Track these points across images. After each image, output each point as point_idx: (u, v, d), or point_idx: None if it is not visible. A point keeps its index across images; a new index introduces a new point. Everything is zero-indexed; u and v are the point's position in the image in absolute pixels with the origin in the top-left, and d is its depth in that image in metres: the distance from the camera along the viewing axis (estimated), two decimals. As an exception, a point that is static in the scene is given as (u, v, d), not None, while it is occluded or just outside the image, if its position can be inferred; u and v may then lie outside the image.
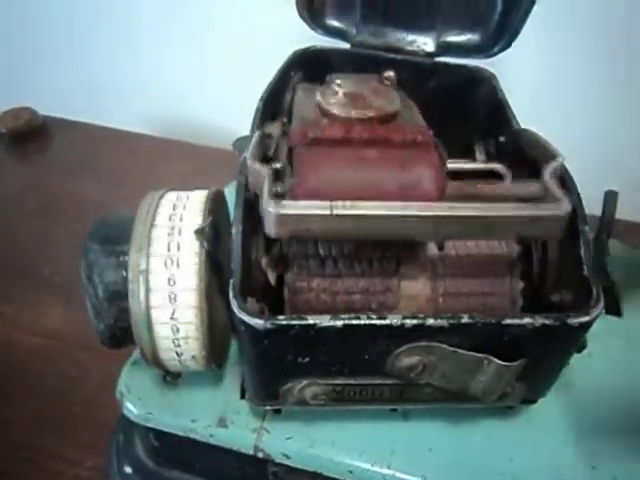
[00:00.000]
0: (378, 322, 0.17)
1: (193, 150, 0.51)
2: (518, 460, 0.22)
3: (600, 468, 0.22)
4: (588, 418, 0.23)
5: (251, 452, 0.23)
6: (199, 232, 0.18)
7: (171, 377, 0.24)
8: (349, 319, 0.17)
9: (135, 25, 0.51)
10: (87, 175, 0.49)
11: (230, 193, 0.21)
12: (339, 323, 0.17)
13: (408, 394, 0.20)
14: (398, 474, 0.22)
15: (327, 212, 0.16)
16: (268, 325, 0.17)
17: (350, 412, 0.23)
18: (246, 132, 0.23)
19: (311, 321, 0.17)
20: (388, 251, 0.19)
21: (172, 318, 0.18)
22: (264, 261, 0.18)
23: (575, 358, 0.20)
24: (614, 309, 0.27)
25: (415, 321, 0.17)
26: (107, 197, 0.47)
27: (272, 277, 0.19)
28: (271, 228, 0.16)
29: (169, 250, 0.18)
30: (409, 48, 0.28)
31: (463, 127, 0.26)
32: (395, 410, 0.23)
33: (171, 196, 0.20)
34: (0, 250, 0.43)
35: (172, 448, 0.25)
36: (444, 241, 0.19)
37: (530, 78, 0.41)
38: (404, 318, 0.17)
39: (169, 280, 0.18)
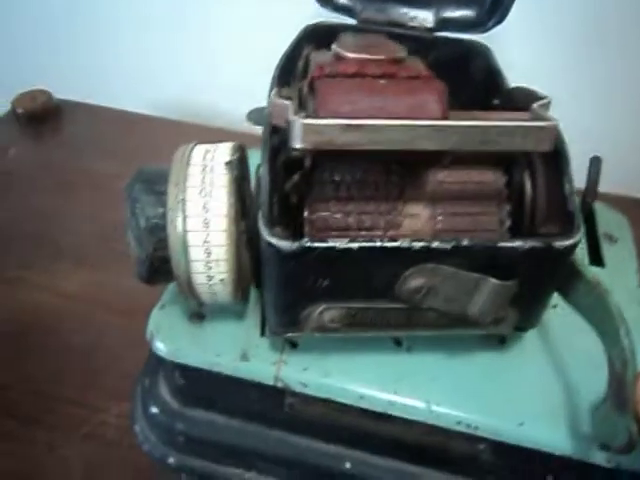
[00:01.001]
0: (389, 244, 0.19)
1: (203, 131, 0.54)
2: (510, 387, 0.25)
3: (584, 397, 0.24)
4: (575, 353, 0.26)
5: (271, 383, 0.25)
6: (229, 163, 0.21)
7: (196, 317, 0.27)
8: (364, 241, 0.19)
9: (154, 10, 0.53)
10: (99, 154, 0.52)
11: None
12: (355, 245, 0.19)
13: (413, 319, 0.23)
14: (403, 399, 0.24)
15: (346, 122, 0.18)
16: (294, 247, 0.19)
17: (360, 345, 0.25)
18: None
19: (331, 244, 0.19)
20: (393, 177, 0.22)
21: (205, 242, 0.20)
22: (288, 185, 0.21)
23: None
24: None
25: (422, 243, 0.19)
26: (118, 174, 0.50)
27: (294, 199, 0.21)
28: (297, 139, 0.18)
29: (203, 182, 0.21)
30: (411, 24, 0.30)
31: (460, 97, 0.29)
32: (400, 345, 0.26)
33: (202, 146, 0.23)
34: (19, 223, 0.46)
35: (196, 385, 0.28)
36: (448, 160, 0.21)
37: (523, 53, 0.43)
38: (412, 241, 0.19)
39: (203, 207, 0.20)
